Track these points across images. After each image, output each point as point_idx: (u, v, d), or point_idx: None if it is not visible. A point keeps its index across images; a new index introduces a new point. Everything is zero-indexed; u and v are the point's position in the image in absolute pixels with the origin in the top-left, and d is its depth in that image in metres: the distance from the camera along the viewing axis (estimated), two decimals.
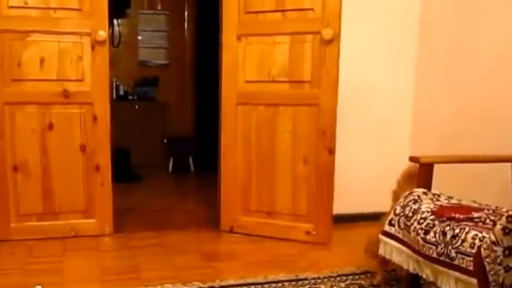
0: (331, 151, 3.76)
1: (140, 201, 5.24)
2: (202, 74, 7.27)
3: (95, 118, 3.84)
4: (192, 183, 6.90)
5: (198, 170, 7.12)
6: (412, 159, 2.76)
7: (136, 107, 7.29)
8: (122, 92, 7.38)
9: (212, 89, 4.51)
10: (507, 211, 1.89)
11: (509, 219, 1.83)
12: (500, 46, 3.58)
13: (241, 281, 3.06)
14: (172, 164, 7.12)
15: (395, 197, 2.83)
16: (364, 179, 4.35)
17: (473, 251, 2.06)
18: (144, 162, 6.73)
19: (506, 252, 1.84)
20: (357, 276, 3.17)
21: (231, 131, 4.01)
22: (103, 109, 3.85)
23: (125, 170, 6.25)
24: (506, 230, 1.84)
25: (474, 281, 2.00)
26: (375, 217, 3.53)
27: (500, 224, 1.87)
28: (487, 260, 1.89)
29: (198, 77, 7.54)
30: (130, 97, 7.42)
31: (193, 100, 7.69)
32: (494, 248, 1.86)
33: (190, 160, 7.21)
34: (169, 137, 7.24)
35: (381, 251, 2.70)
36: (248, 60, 3.92)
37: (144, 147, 6.96)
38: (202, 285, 2.99)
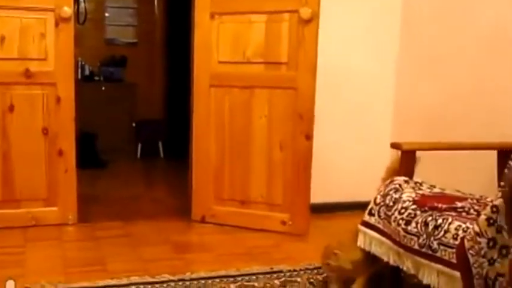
0: (309, 137, 3.75)
1: (106, 189, 5.20)
2: (173, 53, 7.21)
3: (58, 100, 3.78)
4: (162, 169, 6.87)
5: (168, 156, 7.08)
6: (394, 145, 2.77)
7: (103, 88, 7.22)
8: (87, 73, 7.29)
9: (184, 70, 4.47)
10: (492, 201, 1.90)
11: (494, 209, 1.84)
12: (485, 31, 3.60)
13: (213, 274, 3.04)
14: (140, 150, 7.08)
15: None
16: (344, 166, 4.36)
17: (457, 242, 2.07)
18: (111, 147, 6.66)
19: (491, 243, 1.85)
20: None
21: (203, 114, 3.98)
22: (67, 90, 3.79)
23: (90, 155, 6.19)
24: (491, 221, 1.85)
25: (457, 273, 2.02)
26: (354, 207, 3.55)
27: (485, 214, 1.88)
28: (471, 252, 1.90)
29: (168, 57, 7.47)
30: (96, 78, 7.34)
31: (164, 81, 7.64)
32: (478, 239, 1.87)
33: (160, 145, 7.17)
34: (138, 121, 7.19)
35: (359, 243, 2.70)
36: (222, 39, 3.89)
37: (111, 131, 6.89)
38: (171, 278, 2.97)
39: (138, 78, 7.43)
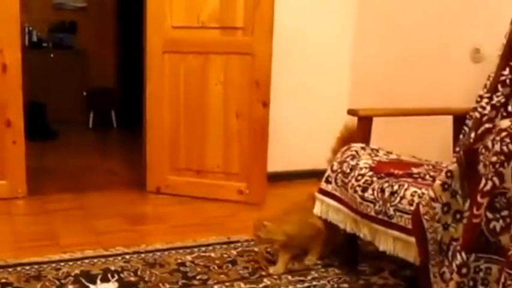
0: (266, 104, 3.77)
1: (57, 161, 5.14)
2: (125, 18, 7.11)
3: (4, 67, 3.70)
4: (115, 140, 6.82)
5: (121, 126, 7.03)
6: (350, 112, 2.79)
7: (52, 55, 7.10)
8: (35, 39, 7.16)
9: (136, 35, 4.41)
10: (447, 166, 1.94)
11: (449, 174, 1.89)
12: None
13: (169, 245, 3.06)
14: (92, 119, 7.00)
15: (334, 154, 2.87)
16: (301, 134, 4.39)
17: (412, 208, 2.11)
18: (61, 117, 6.58)
19: (445, 208, 1.90)
20: None
21: (157, 82, 3.95)
22: (13, 57, 3.71)
23: (39, 125, 6.11)
24: (446, 186, 1.89)
25: (413, 239, 2.07)
26: (311, 175, 3.59)
27: (440, 180, 1.92)
28: (426, 217, 1.95)
29: (120, 22, 7.37)
30: (44, 44, 7.21)
31: (116, 48, 7.54)
32: (433, 204, 1.92)
33: (113, 115, 7.10)
34: (89, 89, 7.10)
35: (316, 210, 2.74)
36: (175, 3, 3.85)
37: (61, 101, 6.80)
38: (126, 251, 2.97)
39: (88, 44, 7.32)
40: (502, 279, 1.61)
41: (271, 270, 2.75)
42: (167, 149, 4.00)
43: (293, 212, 2.80)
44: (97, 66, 7.35)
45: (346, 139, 2.84)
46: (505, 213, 1.68)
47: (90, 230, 3.32)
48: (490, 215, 1.70)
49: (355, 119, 2.78)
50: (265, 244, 2.88)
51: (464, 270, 1.74)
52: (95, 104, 7.06)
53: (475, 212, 1.73)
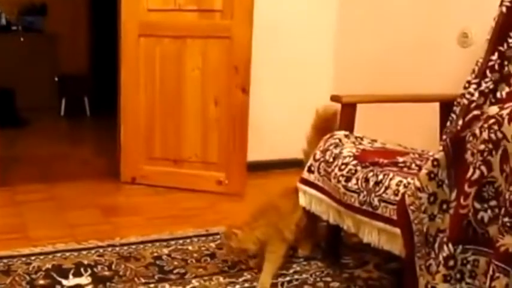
0: (245, 90, 3.75)
1: (27, 149, 5.09)
2: (98, 0, 7.04)
3: None
4: (88, 128, 6.77)
5: (94, 113, 6.98)
6: (333, 98, 2.78)
7: (22, 39, 7.03)
8: (3, 22, 7.09)
9: (111, 18, 4.37)
10: (433, 155, 1.94)
11: (435, 163, 1.89)
12: None
13: (145, 238, 3.04)
14: (64, 107, 6.94)
15: (308, 144, 2.85)
16: (282, 122, 4.38)
17: (398, 198, 2.11)
18: (32, 105, 6.52)
19: (431, 198, 1.90)
20: None
21: (131, 67, 3.92)
22: None
23: (8, 113, 6.06)
24: (432, 175, 1.89)
25: (398, 231, 2.07)
26: (293, 164, 3.59)
27: (426, 169, 1.92)
28: (411, 207, 1.95)
29: (93, 4, 7.31)
30: (13, 28, 7.14)
31: (89, 32, 7.48)
32: (419, 194, 1.92)
33: (86, 102, 7.05)
34: (61, 75, 7.04)
35: (300, 201, 2.73)
36: None
37: (32, 87, 6.74)
38: (100, 244, 2.95)
39: (60, 28, 7.25)
40: (490, 272, 1.62)
41: (258, 285, 2.57)
42: (142, 137, 3.98)
43: (263, 214, 2.63)
44: (69, 51, 7.29)
45: (319, 127, 2.80)
46: (493, 203, 1.68)
47: (62, 222, 3.30)
48: (477, 205, 1.71)
49: (329, 105, 2.77)
50: (237, 253, 2.73)
51: (451, 263, 1.74)
52: (67, 91, 7.00)
53: (462, 202, 1.73)
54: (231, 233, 2.54)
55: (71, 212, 3.47)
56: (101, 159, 4.73)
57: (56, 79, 7.01)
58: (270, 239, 2.58)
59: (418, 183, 1.93)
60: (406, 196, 1.98)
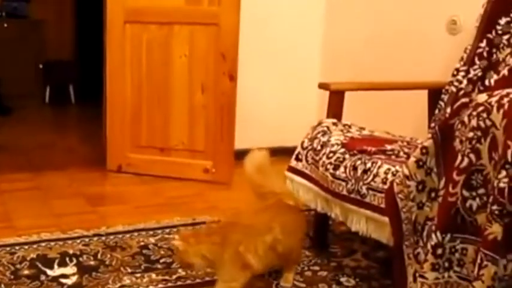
0: (233, 78, 3.74)
1: (11, 138, 5.06)
2: None
3: None
4: (73, 116, 6.74)
5: (79, 101, 6.96)
6: (322, 86, 2.78)
7: (5, 25, 6.97)
8: None
9: (96, 4, 4.34)
10: (422, 142, 1.94)
11: (424, 150, 1.89)
12: None
13: (131, 227, 3.03)
14: (49, 94, 6.91)
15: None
16: (270, 109, 4.38)
17: (386, 186, 2.12)
18: (16, 92, 6.48)
19: (420, 187, 1.90)
20: None
21: (117, 54, 3.90)
22: None
23: None
24: (420, 163, 1.89)
25: (386, 219, 2.07)
26: (281, 152, 3.58)
27: (414, 157, 1.92)
28: (400, 196, 1.95)
29: None
30: None
31: (74, 18, 7.43)
32: (407, 182, 1.92)
33: (71, 89, 7.02)
34: (46, 62, 6.99)
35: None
36: None
37: (15, 74, 6.69)
38: (86, 233, 2.94)
39: (45, 14, 7.19)
40: (478, 260, 1.62)
41: None
42: (129, 125, 3.96)
43: (222, 229, 2.32)
44: (54, 37, 7.24)
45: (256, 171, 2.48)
46: (481, 191, 1.69)
47: (47, 212, 3.28)
48: (466, 193, 1.71)
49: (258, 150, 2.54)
50: (185, 267, 2.40)
51: (439, 251, 1.75)
52: (52, 78, 6.96)
53: (450, 190, 1.73)
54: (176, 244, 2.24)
55: (56, 201, 3.45)
56: (87, 148, 4.71)
57: (41, 66, 6.97)
58: (224, 264, 2.21)
59: (406, 171, 1.93)
60: (395, 184, 1.98)
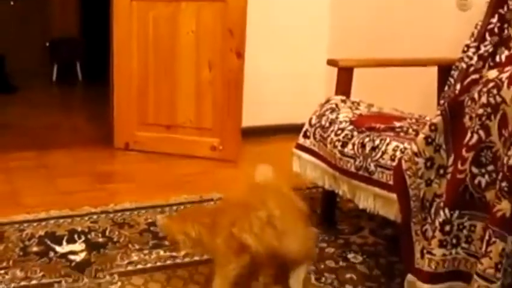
0: (240, 54, 3.73)
1: (18, 117, 5.07)
2: None
3: None
4: (80, 94, 6.75)
5: (86, 79, 6.95)
6: (330, 62, 2.77)
7: (12, 3, 6.95)
8: None
9: None
10: (431, 119, 1.94)
11: (433, 127, 1.88)
12: None
13: (138, 204, 3.04)
14: (56, 72, 6.90)
15: None
16: (277, 87, 4.37)
17: (394, 163, 2.12)
18: (22, 70, 6.47)
19: (428, 163, 1.89)
20: None
21: (124, 31, 3.89)
22: None
23: None
24: (429, 140, 1.89)
25: (394, 196, 2.07)
26: (288, 130, 3.58)
27: (423, 133, 1.91)
28: (408, 172, 1.95)
29: None
30: None
31: None
32: (416, 159, 1.91)
33: (78, 67, 7.00)
34: (52, 40, 6.98)
35: (295, 168, 2.73)
36: None
37: (22, 52, 6.69)
38: (93, 211, 2.95)
39: None
40: (486, 237, 1.62)
41: None
42: (136, 103, 3.96)
43: (210, 212, 2.24)
44: (60, 15, 7.22)
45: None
46: (490, 168, 1.68)
47: (55, 190, 3.30)
48: (475, 170, 1.71)
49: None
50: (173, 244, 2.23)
51: (447, 228, 1.75)
52: (59, 56, 6.95)
53: (459, 167, 1.73)
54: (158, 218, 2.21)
55: (64, 179, 3.47)
56: (94, 126, 4.72)
57: (47, 44, 6.95)
58: (218, 249, 2.05)
59: (415, 148, 1.93)
60: (403, 161, 1.98)
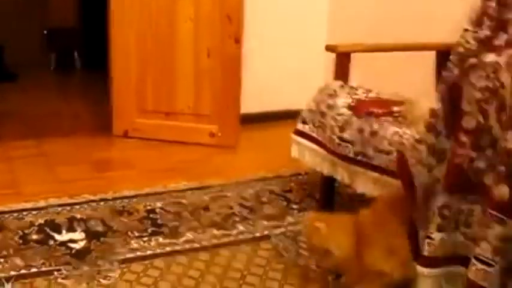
0: (238, 40, 3.72)
1: (17, 105, 5.05)
2: None
3: None
4: (79, 82, 6.72)
5: (85, 67, 6.91)
6: (329, 48, 2.76)
7: None
8: None
9: None
10: (430, 105, 1.93)
11: (433, 113, 1.88)
12: None
13: (138, 192, 3.05)
14: (54, 60, 6.87)
15: None
16: (276, 72, 4.35)
17: (393, 148, 2.11)
18: (21, 59, 6.43)
19: (430, 150, 1.89)
20: (267, 182, 3.22)
21: (122, 18, 3.87)
22: None
23: None
24: (430, 126, 1.89)
25: (393, 181, 2.07)
26: (287, 115, 3.58)
27: (424, 120, 1.91)
28: (411, 161, 1.94)
29: None
30: None
31: None
32: (419, 146, 1.91)
33: (76, 55, 6.97)
34: (50, 28, 6.94)
35: (293, 153, 2.73)
36: None
37: (20, 41, 6.64)
38: (93, 198, 2.96)
39: None
40: (485, 221, 1.62)
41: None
42: (134, 90, 3.95)
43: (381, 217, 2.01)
44: (58, 3, 7.17)
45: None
46: (489, 152, 1.68)
47: (54, 178, 3.30)
48: (473, 154, 1.70)
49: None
50: (317, 254, 2.08)
51: (446, 212, 1.75)
52: (57, 44, 6.91)
53: (458, 151, 1.72)
54: (313, 226, 1.93)
55: (63, 167, 3.46)
56: (92, 113, 4.71)
57: (45, 32, 6.92)
58: (363, 268, 1.86)
59: (417, 136, 1.93)
60: (406, 150, 1.98)
